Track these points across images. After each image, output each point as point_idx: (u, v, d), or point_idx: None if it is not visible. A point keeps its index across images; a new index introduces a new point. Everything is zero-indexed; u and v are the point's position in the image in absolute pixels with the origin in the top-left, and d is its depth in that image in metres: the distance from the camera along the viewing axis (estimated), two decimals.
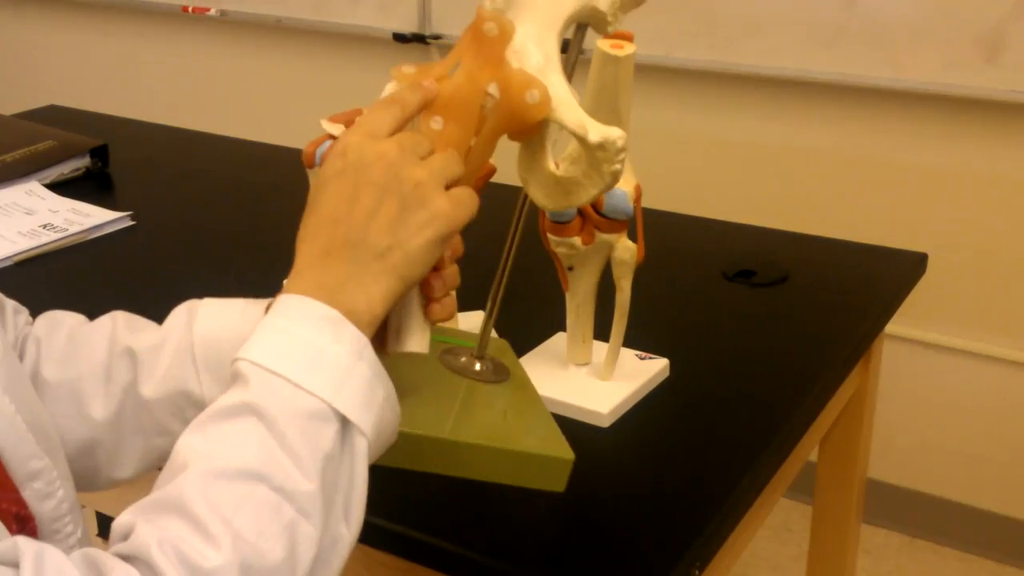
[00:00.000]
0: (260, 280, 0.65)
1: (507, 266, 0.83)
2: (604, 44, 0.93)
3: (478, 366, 0.83)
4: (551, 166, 0.75)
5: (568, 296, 1.08)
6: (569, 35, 0.78)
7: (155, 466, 0.79)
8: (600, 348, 1.09)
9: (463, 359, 0.83)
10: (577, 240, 1.01)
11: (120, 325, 0.80)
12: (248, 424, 0.57)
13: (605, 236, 1.02)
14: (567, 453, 0.78)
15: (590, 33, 0.79)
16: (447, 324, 0.87)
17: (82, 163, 1.74)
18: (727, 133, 2.25)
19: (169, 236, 1.52)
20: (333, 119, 0.97)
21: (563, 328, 1.12)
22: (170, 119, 2.11)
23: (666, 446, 1.01)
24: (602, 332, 1.08)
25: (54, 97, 2.37)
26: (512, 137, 0.75)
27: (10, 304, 0.81)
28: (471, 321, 1.11)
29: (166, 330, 0.79)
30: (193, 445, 0.58)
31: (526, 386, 0.85)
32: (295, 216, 0.68)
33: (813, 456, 1.37)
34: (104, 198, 1.61)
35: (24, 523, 0.66)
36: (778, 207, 2.20)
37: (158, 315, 0.82)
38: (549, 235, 1.03)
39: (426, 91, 0.70)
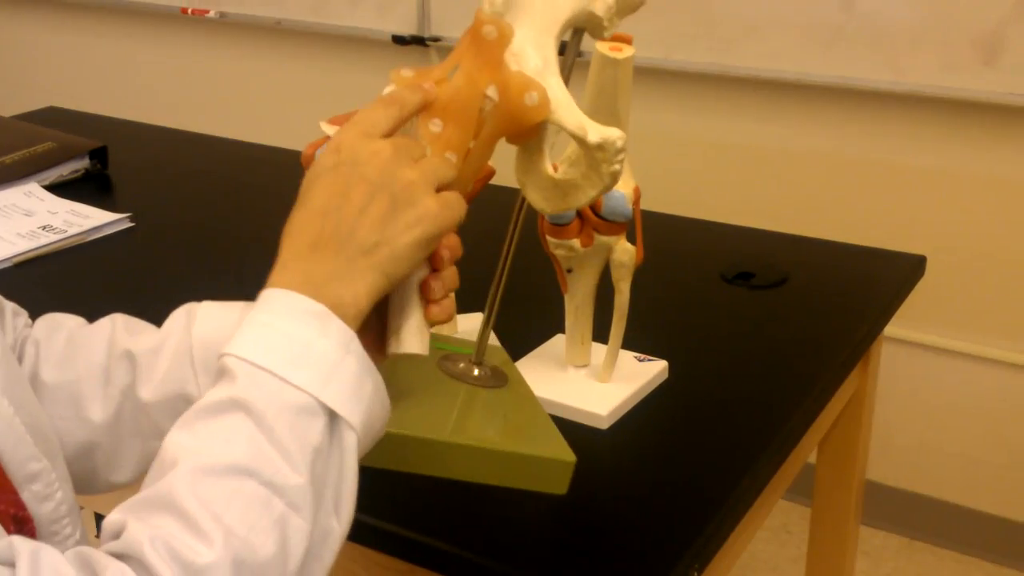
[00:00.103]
0: (259, 282, 0.65)
1: (505, 270, 0.83)
2: (603, 47, 0.93)
3: (476, 371, 0.84)
4: (549, 169, 0.76)
5: (567, 298, 1.08)
6: (566, 39, 0.78)
7: None
8: (599, 350, 1.09)
9: (461, 365, 0.84)
10: (576, 242, 1.02)
11: (119, 328, 0.80)
12: (236, 420, 0.58)
13: (604, 238, 1.02)
14: (568, 455, 0.79)
15: (587, 36, 0.79)
16: (446, 325, 0.87)
17: (81, 165, 1.74)
18: (726, 135, 2.25)
19: (168, 238, 1.52)
20: (332, 121, 0.98)
21: (562, 330, 1.12)
22: (169, 121, 2.11)
23: (665, 448, 1.01)
24: (601, 334, 1.08)
25: (53, 99, 2.37)
26: (510, 140, 0.75)
27: (9, 306, 0.81)
28: (470, 323, 1.11)
29: (165, 333, 0.79)
30: (181, 442, 0.58)
31: (525, 391, 0.85)
32: None
33: (812, 458, 1.38)
34: (103, 200, 1.61)
35: (22, 524, 0.66)
36: (777, 209, 2.20)
37: (157, 316, 0.82)
38: (548, 237, 1.03)
39: (425, 93, 0.70)
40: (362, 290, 0.64)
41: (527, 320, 1.19)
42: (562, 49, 0.76)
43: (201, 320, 0.78)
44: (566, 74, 0.75)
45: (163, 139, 2.00)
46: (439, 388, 0.81)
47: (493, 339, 0.86)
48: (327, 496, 0.59)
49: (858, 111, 2.10)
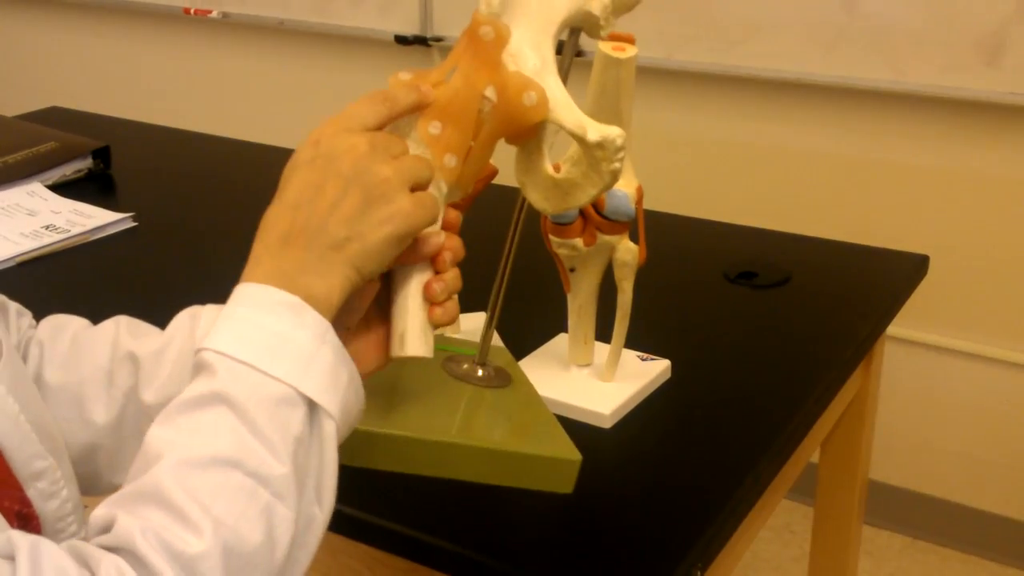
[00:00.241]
0: None
1: (506, 270, 0.84)
2: (606, 47, 0.93)
3: (480, 372, 0.84)
4: (548, 169, 0.76)
5: (570, 297, 1.09)
6: (564, 39, 0.78)
7: None
8: (602, 349, 1.09)
9: (465, 366, 0.84)
10: (579, 241, 1.02)
11: (123, 330, 0.81)
12: (219, 413, 0.58)
13: (607, 237, 1.02)
14: (574, 454, 0.79)
15: (587, 37, 0.79)
16: (449, 326, 0.87)
17: (84, 164, 1.74)
18: (728, 135, 2.25)
19: (171, 238, 1.52)
20: None
21: (565, 329, 1.12)
22: (172, 121, 2.11)
23: (668, 447, 1.01)
24: (604, 333, 1.08)
25: (56, 99, 2.38)
26: (509, 140, 0.75)
27: (13, 307, 0.81)
28: (473, 322, 1.11)
29: (168, 336, 0.79)
30: (165, 436, 0.58)
31: (529, 390, 0.85)
32: None
33: (815, 457, 1.38)
34: (106, 199, 1.62)
35: (27, 521, 0.66)
36: (780, 209, 2.20)
37: (159, 315, 0.82)
38: (551, 236, 1.03)
39: (421, 94, 0.70)
40: (335, 284, 0.64)
41: (530, 319, 1.19)
42: (560, 49, 0.76)
43: (205, 323, 0.78)
44: (564, 73, 0.75)
45: (166, 139, 2.00)
46: (443, 389, 0.81)
47: (496, 339, 0.86)
48: (309, 484, 0.60)
49: (861, 111, 2.10)
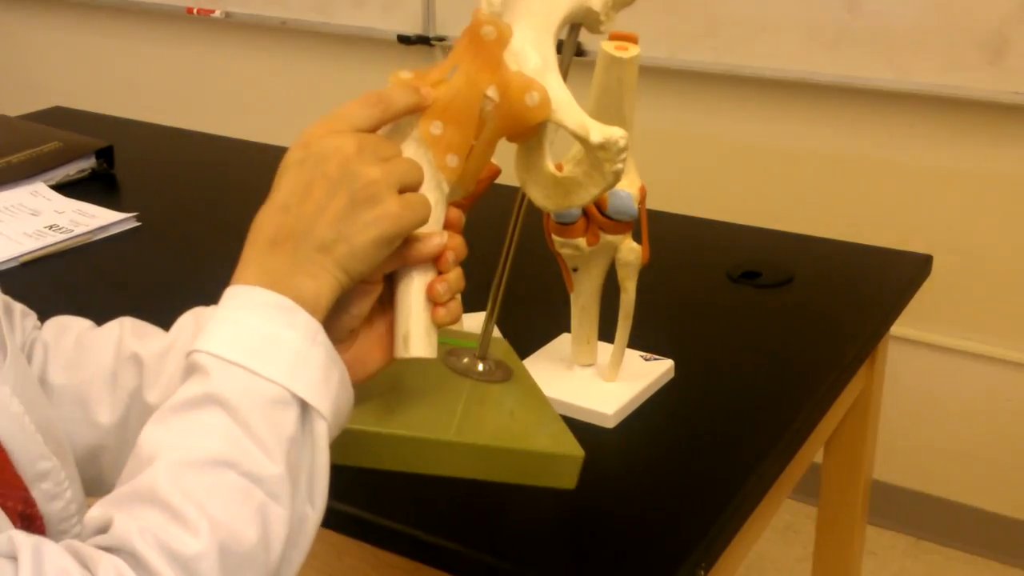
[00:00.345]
0: None
1: (507, 264, 0.83)
2: (609, 46, 0.93)
3: (481, 366, 0.84)
4: (550, 167, 0.76)
5: (573, 297, 1.09)
6: (562, 36, 0.78)
7: None
8: (605, 349, 1.09)
9: (465, 360, 0.84)
10: (582, 241, 1.02)
11: (127, 331, 0.81)
12: (212, 414, 0.59)
13: (610, 237, 1.02)
14: (577, 450, 0.79)
15: (590, 35, 0.79)
16: (452, 326, 0.87)
17: (87, 164, 1.74)
18: (731, 135, 2.25)
19: (174, 237, 1.52)
20: None
21: (568, 329, 1.12)
22: (175, 120, 2.11)
23: (671, 447, 1.01)
24: (607, 333, 1.08)
25: (60, 99, 2.38)
26: (511, 139, 0.75)
27: (18, 308, 0.81)
28: (475, 321, 1.11)
29: (172, 337, 0.79)
30: (159, 437, 0.59)
31: (530, 385, 0.85)
32: None
33: (818, 457, 1.37)
34: (109, 199, 1.62)
35: (31, 522, 0.66)
36: (783, 209, 2.20)
37: (162, 316, 0.82)
38: (554, 236, 1.03)
39: (420, 96, 0.70)
40: (323, 286, 0.64)
41: (533, 319, 1.19)
42: (559, 47, 0.76)
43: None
44: (564, 69, 0.75)
45: (169, 139, 2.00)
46: (444, 385, 0.81)
47: (496, 331, 0.86)
48: (302, 484, 0.60)
49: (863, 110, 2.10)
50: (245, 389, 0.59)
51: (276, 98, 2.86)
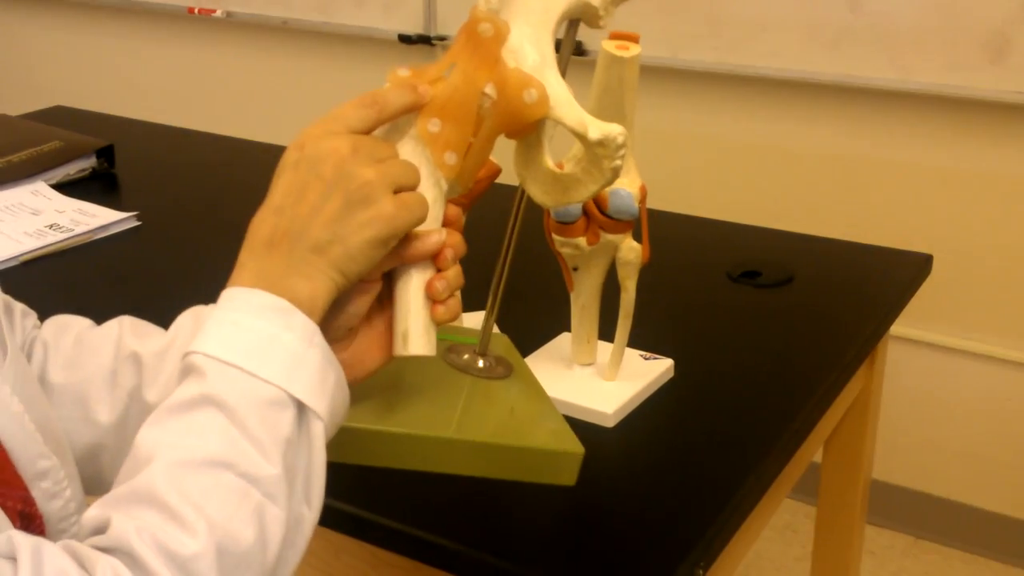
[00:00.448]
0: None
1: (507, 260, 0.83)
2: (610, 45, 0.93)
3: (481, 363, 0.84)
4: (549, 163, 0.76)
5: (573, 296, 1.09)
6: (560, 32, 0.78)
7: None
8: (605, 348, 1.09)
9: (466, 356, 0.84)
10: (582, 240, 1.02)
11: (127, 330, 0.81)
12: (209, 415, 0.59)
13: (610, 237, 1.02)
14: (577, 447, 0.79)
15: (591, 36, 0.79)
16: (452, 324, 0.87)
17: (88, 164, 1.74)
18: (732, 134, 2.25)
19: (175, 237, 1.52)
20: None
21: (568, 328, 1.12)
22: (176, 120, 2.12)
23: (670, 446, 1.01)
24: (607, 332, 1.08)
25: (60, 98, 2.38)
26: (509, 136, 0.75)
27: (18, 307, 0.81)
28: (475, 321, 1.11)
29: (171, 336, 0.79)
30: (157, 438, 0.59)
31: (530, 381, 0.85)
32: None
33: (817, 457, 1.37)
34: (110, 199, 1.62)
35: (30, 521, 0.66)
36: (783, 208, 2.20)
37: (162, 315, 0.82)
38: (554, 235, 1.03)
39: (418, 95, 0.70)
40: (319, 287, 0.64)
41: (533, 318, 1.19)
42: (558, 45, 0.76)
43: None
44: (563, 65, 0.75)
45: (170, 138, 2.00)
46: (445, 382, 0.81)
47: (495, 328, 0.86)
48: (298, 484, 0.61)
49: (865, 110, 2.10)
50: (242, 390, 0.59)
51: (277, 97, 2.86)
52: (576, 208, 0.99)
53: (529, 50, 0.72)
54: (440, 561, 0.88)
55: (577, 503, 0.90)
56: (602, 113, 0.90)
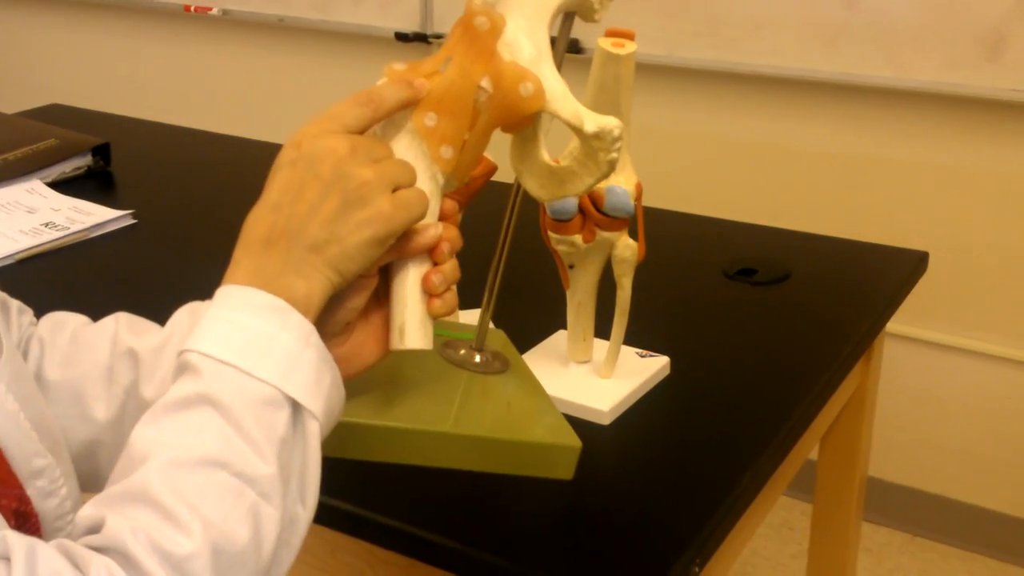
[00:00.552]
0: None
1: (502, 256, 0.84)
2: (605, 42, 0.93)
3: (478, 358, 0.84)
4: (545, 157, 0.76)
5: (569, 294, 1.09)
6: (556, 26, 0.78)
7: None
8: (601, 346, 1.09)
9: (462, 351, 0.84)
10: (578, 238, 1.02)
11: (123, 326, 0.81)
12: (205, 414, 0.59)
13: (606, 234, 1.02)
14: (574, 441, 0.79)
15: (588, 34, 0.79)
16: (448, 318, 0.87)
17: (84, 162, 1.74)
18: (728, 132, 2.25)
19: (171, 235, 1.52)
20: None
21: (564, 326, 1.12)
22: (172, 118, 2.11)
23: (666, 444, 1.01)
24: (603, 330, 1.08)
25: (56, 96, 2.38)
26: (505, 129, 0.75)
27: (15, 304, 0.81)
28: (472, 319, 1.11)
29: (168, 332, 0.79)
30: (152, 437, 0.59)
31: (527, 376, 0.85)
32: None
33: (813, 454, 1.38)
34: (106, 197, 1.62)
35: (25, 519, 0.66)
36: (779, 205, 2.20)
37: (158, 312, 0.82)
38: (550, 233, 1.03)
39: (414, 90, 0.70)
40: (315, 286, 0.64)
41: (529, 316, 1.19)
42: (553, 40, 0.76)
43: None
44: (558, 59, 0.75)
45: (166, 136, 2.00)
46: (442, 377, 0.81)
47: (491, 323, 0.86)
48: (293, 484, 0.61)
49: (861, 108, 2.10)
50: (237, 389, 0.59)
51: (273, 95, 2.86)
52: (572, 205, 0.99)
53: (525, 43, 0.72)
54: (437, 558, 0.88)
55: (573, 500, 0.90)
56: (598, 110, 0.90)
